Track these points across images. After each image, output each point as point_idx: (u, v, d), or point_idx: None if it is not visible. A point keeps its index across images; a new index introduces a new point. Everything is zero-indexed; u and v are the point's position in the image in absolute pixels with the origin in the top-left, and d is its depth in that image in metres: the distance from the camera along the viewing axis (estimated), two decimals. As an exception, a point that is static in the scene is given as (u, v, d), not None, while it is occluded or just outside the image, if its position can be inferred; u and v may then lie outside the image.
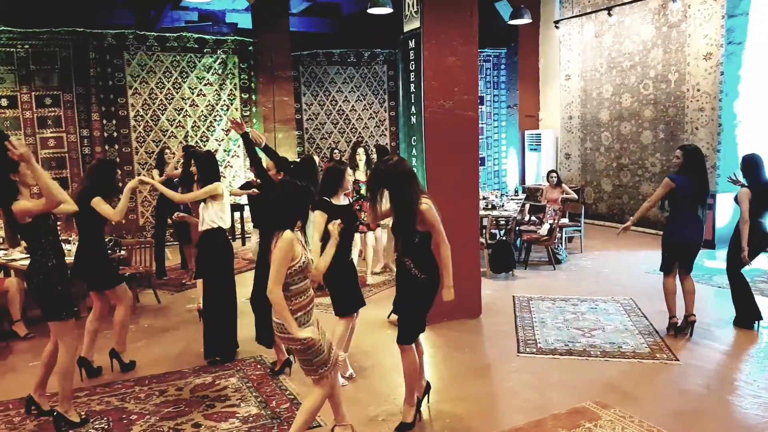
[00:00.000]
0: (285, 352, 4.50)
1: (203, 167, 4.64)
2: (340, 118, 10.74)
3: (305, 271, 3.09)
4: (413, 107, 5.50)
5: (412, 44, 5.40)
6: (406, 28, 5.48)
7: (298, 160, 7.12)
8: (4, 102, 8.23)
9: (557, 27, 11.05)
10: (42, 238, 3.58)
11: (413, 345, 3.53)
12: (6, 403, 4.07)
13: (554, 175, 8.53)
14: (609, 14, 9.87)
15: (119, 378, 4.47)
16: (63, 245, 3.94)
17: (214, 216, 4.61)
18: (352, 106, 10.78)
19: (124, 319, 4.56)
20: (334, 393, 3.34)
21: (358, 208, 6.53)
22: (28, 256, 3.78)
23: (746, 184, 5.05)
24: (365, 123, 10.90)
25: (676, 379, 4.21)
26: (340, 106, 10.70)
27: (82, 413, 3.82)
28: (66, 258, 3.86)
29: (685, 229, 4.90)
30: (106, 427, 3.71)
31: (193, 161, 4.89)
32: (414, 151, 5.56)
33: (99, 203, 4.22)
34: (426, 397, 3.79)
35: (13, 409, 3.97)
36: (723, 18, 8.23)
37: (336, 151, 9.20)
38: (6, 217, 3.55)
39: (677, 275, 5.07)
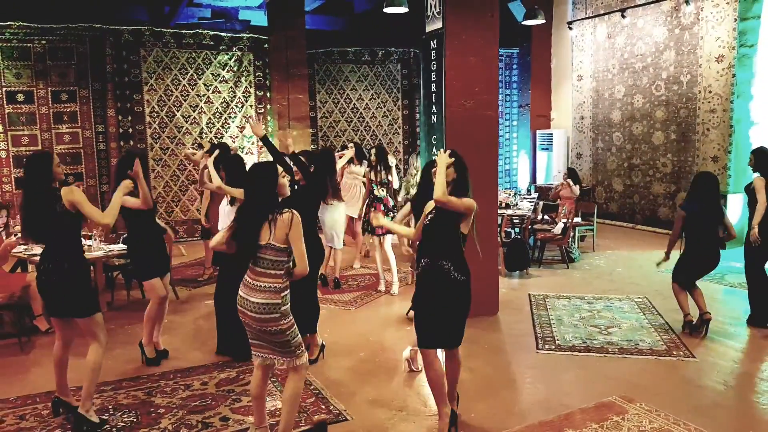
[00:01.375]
0: (317, 343, 4.58)
1: (232, 170, 4.72)
2: (354, 117, 10.79)
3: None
4: (434, 106, 5.55)
5: (433, 44, 5.44)
6: (429, 28, 5.52)
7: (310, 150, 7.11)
8: (21, 97, 8.29)
9: (570, 28, 11.09)
10: (68, 235, 3.57)
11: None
12: (33, 396, 4.12)
13: (566, 174, 8.60)
14: (622, 16, 9.90)
15: (144, 372, 4.52)
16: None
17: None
18: (366, 104, 10.83)
19: (152, 313, 4.61)
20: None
21: (373, 209, 6.57)
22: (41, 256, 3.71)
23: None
24: (379, 121, 10.95)
25: (694, 376, 4.28)
26: (354, 104, 10.75)
27: (109, 407, 3.86)
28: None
29: (701, 256, 5.06)
30: (135, 420, 3.77)
31: (221, 165, 4.92)
32: (434, 150, 5.60)
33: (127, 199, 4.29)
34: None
35: (41, 402, 4.02)
36: (735, 21, 8.26)
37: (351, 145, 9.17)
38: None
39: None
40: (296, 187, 4.72)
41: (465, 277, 3.35)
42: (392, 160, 7.20)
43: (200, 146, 7.55)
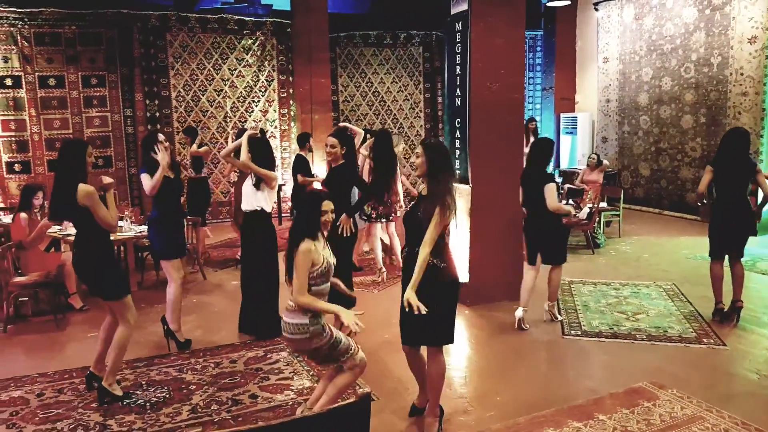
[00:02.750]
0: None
1: (260, 152, 4.75)
2: (376, 100, 10.77)
3: (327, 275, 3.17)
4: (458, 89, 5.52)
5: (459, 26, 5.40)
6: (454, 10, 5.48)
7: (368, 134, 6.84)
8: (53, 81, 8.44)
9: (596, 9, 10.87)
10: (93, 221, 3.64)
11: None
12: (70, 371, 4.26)
13: (594, 156, 8.51)
14: (651, -5, 9.68)
15: (175, 350, 4.63)
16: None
17: (262, 200, 4.74)
18: (388, 87, 10.79)
19: (175, 297, 4.67)
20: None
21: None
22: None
23: None
24: (400, 105, 10.92)
25: (725, 364, 4.23)
26: (376, 87, 10.72)
27: (143, 383, 3.98)
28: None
29: (731, 220, 4.87)
30: (168, 396, 3.87)
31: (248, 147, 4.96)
32: (458, 133, 5.59)
33: (143, 178, 4.44)
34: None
35: (77, 377, 4.15)
36: (770, 0, 8.03)
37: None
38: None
39: (726, 261, 5.04)
40: (333, 167, 4.81)
41: (445, 265, 3.13)
42: (400, 147, 6.84)
43: (201, 144, 7.56)
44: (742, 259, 5.04)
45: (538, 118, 12.10)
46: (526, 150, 9.19)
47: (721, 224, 4.94)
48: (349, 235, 4.61)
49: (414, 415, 3.52)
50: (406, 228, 3.28)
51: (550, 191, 4.65)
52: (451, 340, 3.24)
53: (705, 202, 5.07)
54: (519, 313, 4.90)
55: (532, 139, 9.10)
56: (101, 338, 3.96)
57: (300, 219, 3.31)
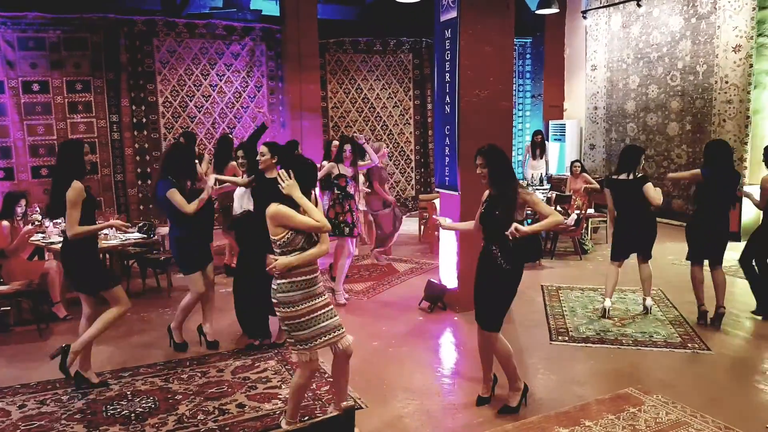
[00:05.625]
0: None
1: (252, 157, 4.79)
2: (365, 107, 10.77)
3: (294, 243, 3.14)
4: (447, 97, 5.53)
5: (448, 33, 5.42)
6: (443, 17, 5.49)
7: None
8: (36, 87, 8.35)
9: (584, 17, 10.98)
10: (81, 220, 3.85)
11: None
12: (53, 382, 4.19)
13: (578, 164, 8.55)
14: (638, 5, 9.78)
15: (161, 359, 4.58)
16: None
17: (246, 202, 4.84)
18: (377, 94, 10.80)
19: (186, 305, 4.71)
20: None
21: (346, 209, 5.80)
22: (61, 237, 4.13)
23: None
24: (390, 112, 10.92)
25: (709, 368, 4.27)
26: (365, 94, 10.72)
27: (128, 393, 3.94)
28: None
29: (711, 227, 5.01)
30: (153, 405, 3.82)
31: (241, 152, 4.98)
32: (447, 140, 5.60)
33: (173, 195, 4.39)
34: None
35: (61, 388, 4.09)
36: (753, 10, 8.14)
37: (358, 134, 9.11)
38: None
39: (708, 266, 5.12)
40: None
41: (510, 267, 3.51)
42: (372, 151, 6.48)
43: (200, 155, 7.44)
44: (723, 266, 5.13)
45: (527, 126, 12.17)
46: (534, 162, 9.34)
47: (700, 231, 5.07)
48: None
49: (481, 405, 3.76)
50: (484, 227, 3.61)
51: (651, 189, 4.98)
52: (497, 329, 3.61)
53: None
54: (607, 303, 5.32)
55: (537, 151, 9.23)
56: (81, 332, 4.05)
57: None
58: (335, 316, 3.26)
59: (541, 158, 9.42)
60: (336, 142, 6.52)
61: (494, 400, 3.79)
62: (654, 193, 4.96)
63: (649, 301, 5.41)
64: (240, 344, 4.84)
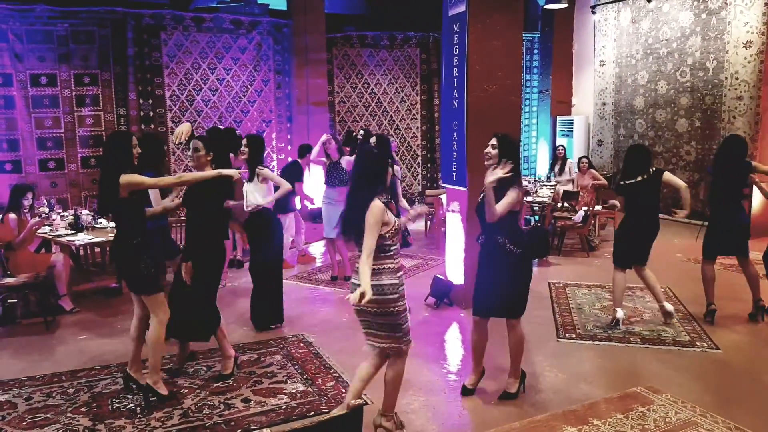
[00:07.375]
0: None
1: (256, 150, 4.79)
2: (372, 101, 10.72)
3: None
4: (455, 91, 5.49)
5: (456, 28, 5.37)
6: (451, 12, 5.45)
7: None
8: (44, 80, 8.35)
9: (593, 12, 10.88)
10: (133, 216, 3.68)
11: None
12: (59, 375, 4.20)
13: (585, 160, 8.50)
14: (648, 0, 9.68)
15: (168, 353, 4.56)
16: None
17: (259, 197, 4.78)
18: (384, 89, 10.74)
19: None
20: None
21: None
22: (114, 232, 3.91)
23: None
24: (396, 106, 10.87)
25: (719, 367, 4.23)
26: (372, 88, 10.67)
27: (133, 386, 3.88)
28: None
29: (725, 223, 4.97)
30: (158, 399, 3.82)
31: (245, 143, 4.96)
32: (455, 135, 5.56)
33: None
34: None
35: (66, 381, 4.10)
36: (765, 6, 8.05)
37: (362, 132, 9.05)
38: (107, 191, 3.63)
39: (738, 262, 5.13)
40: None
41: (521, 250, 3.56)
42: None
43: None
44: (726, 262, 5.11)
45: (534, 121, 12.10)
46: (561, 178, 9.06)
47: (715, 226, 5.02)
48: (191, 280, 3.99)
49: (466, 395, 3.81)
50: (480, 217, 3.62)
51: (673, 175, 4.89)
52: (522, 312, 3.69)
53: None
54: (620, 314, 5.00)
55: (557, 167, 9.11)
56: (133, 338, 3.89)
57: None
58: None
59: (560, 175, 9.12)
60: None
61: (478, 392, 3.86)
62: (678, 179, 4.89)
63: (669, 306, 4.95)
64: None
